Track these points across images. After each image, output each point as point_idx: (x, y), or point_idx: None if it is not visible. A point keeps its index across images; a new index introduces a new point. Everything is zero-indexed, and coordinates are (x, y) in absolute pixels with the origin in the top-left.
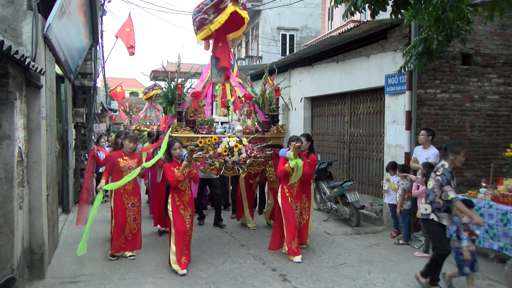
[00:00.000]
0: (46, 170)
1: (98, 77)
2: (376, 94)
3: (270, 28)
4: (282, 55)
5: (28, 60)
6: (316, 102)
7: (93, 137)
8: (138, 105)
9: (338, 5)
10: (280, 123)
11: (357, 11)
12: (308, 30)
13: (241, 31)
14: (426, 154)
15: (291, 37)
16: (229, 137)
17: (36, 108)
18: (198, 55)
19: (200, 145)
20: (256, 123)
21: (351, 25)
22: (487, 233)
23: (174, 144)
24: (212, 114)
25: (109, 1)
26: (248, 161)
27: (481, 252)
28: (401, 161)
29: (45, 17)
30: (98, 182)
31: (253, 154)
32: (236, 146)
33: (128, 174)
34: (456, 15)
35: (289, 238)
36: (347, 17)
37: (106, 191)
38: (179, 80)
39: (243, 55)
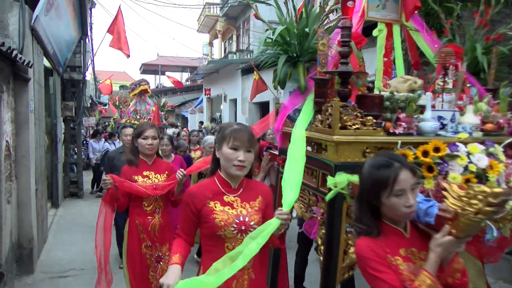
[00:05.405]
0: (35, 164)
1: (87, 70)
2: None
3: (261, 21)
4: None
5: (15, 52)
6: None
7: (82, 131)
8: (127, 97)
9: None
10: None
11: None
12: None
13: None
14: None
15: None
16: (464, 143)
17: (24, 102)
18: (189, 48)
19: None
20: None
21: None
22: None
23: (397, 177)
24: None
25: None
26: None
27: None
28: None
29: (33, 8)
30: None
31: None
32: (492, 167)
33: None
34: (446, 10)
35: None
36: (336, 11)
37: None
38: None
39: (234, 48)
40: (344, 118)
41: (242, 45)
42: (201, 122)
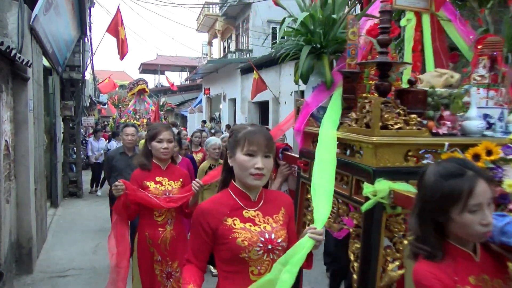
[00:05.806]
0: (34, 164)
1: (86, 69)
2: None
3: (261, 21)
4: (273, 49)
5: (14, 51)
6: None
7: (81, 130)
8: (126, 97)
9: None
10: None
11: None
12: None
13: None
14: None
15: None
16: None
17: (23, 101)
18: (188, 47)
19: None
20: None
21: None
22: None
23: (473, 189)
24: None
25: None
26: None
27: None
28: None
29: (32, 8)
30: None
31: None
32: None
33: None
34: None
35: None
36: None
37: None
38: None
39: (233, 48)
40: (385, 116)
41: (242, 45)
42: (204, 121)
